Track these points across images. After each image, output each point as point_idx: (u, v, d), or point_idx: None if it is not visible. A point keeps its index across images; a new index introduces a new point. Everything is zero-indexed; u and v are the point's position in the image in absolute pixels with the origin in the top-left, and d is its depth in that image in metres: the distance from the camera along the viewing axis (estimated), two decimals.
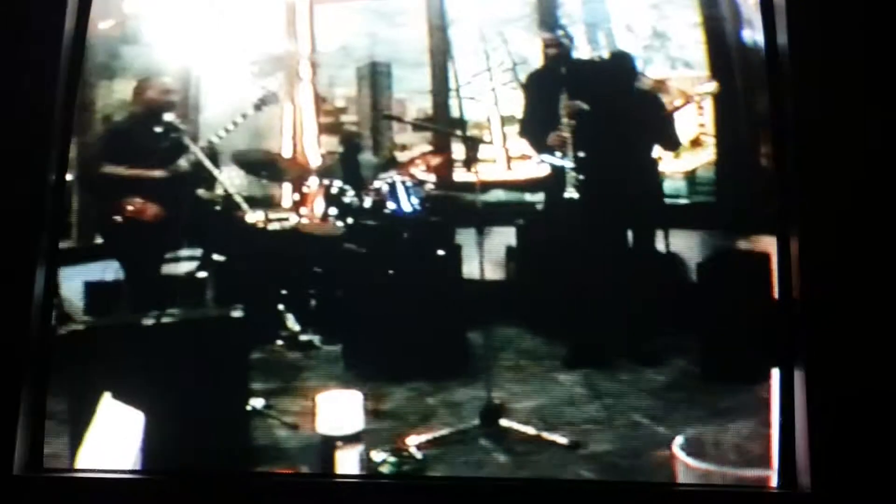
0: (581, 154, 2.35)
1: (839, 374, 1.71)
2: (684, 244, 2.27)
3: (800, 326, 1.76)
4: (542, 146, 2.39)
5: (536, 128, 2.40)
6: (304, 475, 1.96)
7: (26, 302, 1.81)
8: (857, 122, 1.81)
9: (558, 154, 2.35)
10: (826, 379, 1.72)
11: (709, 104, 2.41)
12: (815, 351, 1.73)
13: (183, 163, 2.32)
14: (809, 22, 1.86)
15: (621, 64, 2.40)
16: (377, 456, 1.95)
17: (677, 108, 2.38)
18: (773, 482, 1.75)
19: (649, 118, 2.38)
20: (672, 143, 2.36)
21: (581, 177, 2.34)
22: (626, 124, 2.37)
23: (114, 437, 1.90)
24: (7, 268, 1.81)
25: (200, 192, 2.32)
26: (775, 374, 1.77)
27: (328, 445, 1.96)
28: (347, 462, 1.97)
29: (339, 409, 2.00)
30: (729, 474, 1.76)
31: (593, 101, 2.37)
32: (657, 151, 2.35)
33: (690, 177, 2.38)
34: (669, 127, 2.37)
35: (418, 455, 1.96)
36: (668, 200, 2.35)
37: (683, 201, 2.35)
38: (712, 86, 2.37)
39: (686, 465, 1.78)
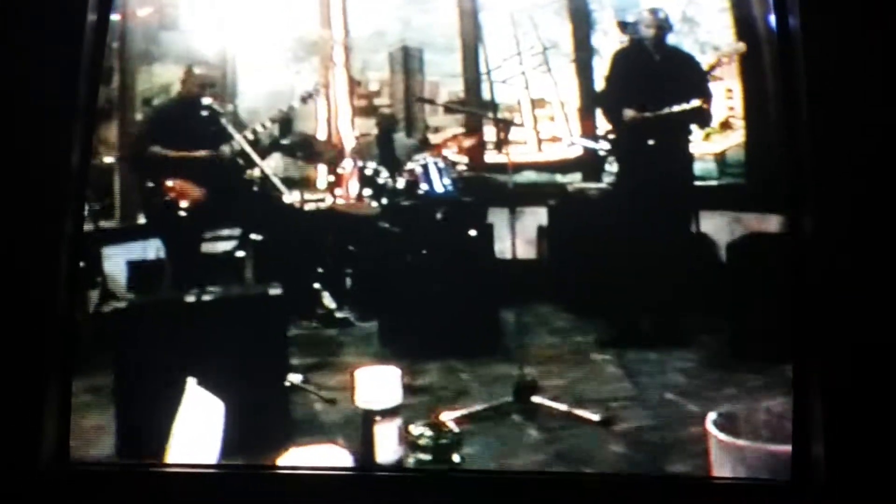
0: (648, 127, 2.34)
1: (855, 363, 1.70)
2: (714, 225, 2.28)
3: (815, 314, 1.75)
4: (618, 121, 2.36)
5: (616, 102, 2.37)
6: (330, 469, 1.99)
7: (52, 291, 1.85)
8: (871, 101, 1.79)
9: (633, 128, 2.34)
10: (842, 369, 1.71)
11: (737, 87, 2.41)
12: (831, 340, 1.73)
13: (226, 149, 2.36)
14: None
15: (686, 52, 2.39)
16: (415, 430, 1.98)
17: (712, 68, 2.36)
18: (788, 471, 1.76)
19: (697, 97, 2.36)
20: (706, 120, 2.35)
21: (640, 147, 2.32)
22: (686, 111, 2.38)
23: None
24: (31, 265, 1.85)
25: (240, 174, 2.36)
26: (789, 364, 1.77)
27: (367, 419, 1.99)
28: (386, 435, 1.99)
29: (377, 384, 2.03)
30: (762, 449, 1.76)
31: (675, 88, 2.35)
32: (693, 131, 2.34)
33: (720, 159, 2.39)
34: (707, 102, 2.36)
35: (455, 429, 1.98)
36: (699, 182, 2.37)
37: (713, 183, 2.36)
38: (741, 45, 2.36)
39: (719, 441, 1.79)
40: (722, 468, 1.76)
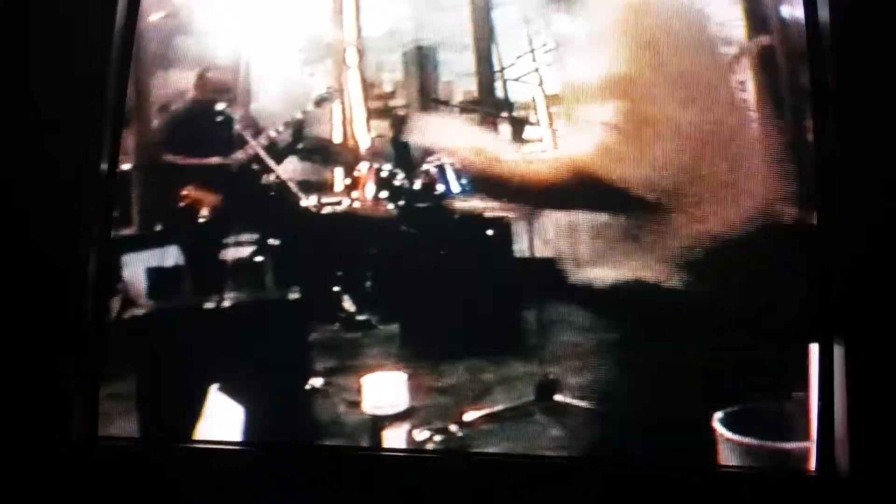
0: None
1: (882, 350, 1.69)
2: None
3: (840, 300, 1.74)
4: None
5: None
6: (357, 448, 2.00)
7: (82, 278, 1.87)
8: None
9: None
10: (868, 356, 1.69)
11: (750, 82, 2.39)
12: (856, 327, 1.71)
13: (240, 155, 2.37)
14: None
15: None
16: (419, 435, 2.00)
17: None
18: (812, 462, 1.74)
19: None
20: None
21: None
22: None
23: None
24: (65, 242, 1.87)
25: (256, 179, 2.36)
26: (813, 348, 1.77)
27: (375, 425, 2.01)
28: (394, 440, 2.01)
29: (384, 389, 2.05)
30: (769, 447, 1.76)
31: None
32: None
33: None
34: None
35: (459, 433, 2.00)
36: None
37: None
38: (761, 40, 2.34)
39: (726, 440, 1.79)
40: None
